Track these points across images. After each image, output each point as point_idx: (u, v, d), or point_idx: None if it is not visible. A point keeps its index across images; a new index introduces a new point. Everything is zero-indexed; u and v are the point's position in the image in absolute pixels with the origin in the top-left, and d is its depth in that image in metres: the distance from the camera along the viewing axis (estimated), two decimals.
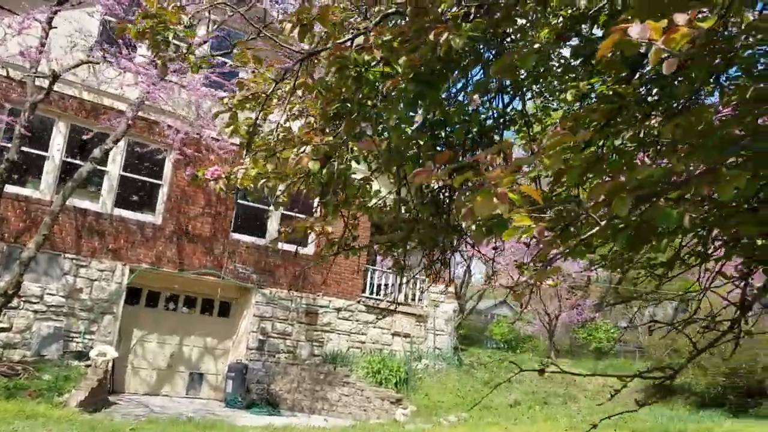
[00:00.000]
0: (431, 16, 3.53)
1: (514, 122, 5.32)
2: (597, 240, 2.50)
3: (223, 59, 13.09)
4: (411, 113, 3.59)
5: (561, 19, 3.91)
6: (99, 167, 13.79)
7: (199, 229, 16.12)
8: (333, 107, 4.24)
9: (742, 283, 2.97)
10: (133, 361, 15.85)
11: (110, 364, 13.51)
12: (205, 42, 10.18)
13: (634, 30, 1.46)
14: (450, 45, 3.03)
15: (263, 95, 4.88)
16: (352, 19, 4.44)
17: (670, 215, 1.89)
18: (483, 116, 4.81)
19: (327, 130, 4.46)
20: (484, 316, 39.48)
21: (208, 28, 10.66)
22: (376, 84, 3.61)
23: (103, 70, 13.21)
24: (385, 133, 4.04)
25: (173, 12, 4.21)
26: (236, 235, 16.88)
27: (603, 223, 2.12)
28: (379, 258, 18.49)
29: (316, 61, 4.88)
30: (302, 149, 4.01)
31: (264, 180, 4.21)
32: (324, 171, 4.08)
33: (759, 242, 2.68)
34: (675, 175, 2.16)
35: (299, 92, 4.89)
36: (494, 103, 4.88)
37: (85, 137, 14.23)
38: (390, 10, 4.57)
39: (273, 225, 17.68)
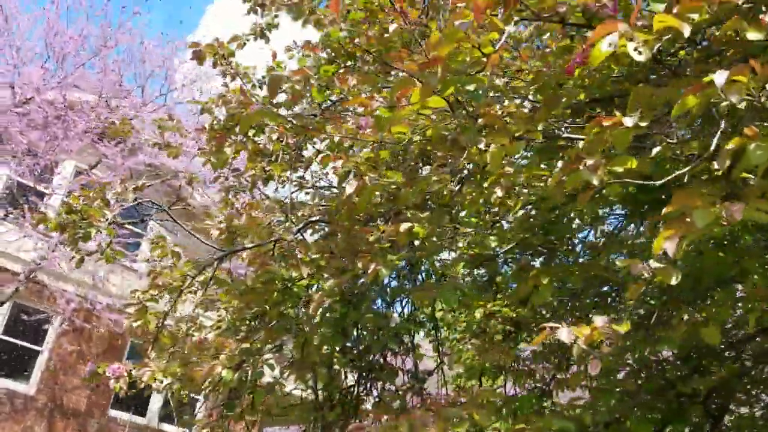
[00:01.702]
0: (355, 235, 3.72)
1: (423, 325, 5.47)
2: None
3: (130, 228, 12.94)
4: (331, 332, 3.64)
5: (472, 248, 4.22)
6: None
7: (75, 403, 14.85)
8: (252, 310, 4.25)
9: None
10: None
11: None
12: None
13: (563, 333, 1.61)
14: (377, 274, 3.17)
15: (177, 288, 4.84)
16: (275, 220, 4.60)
17: None
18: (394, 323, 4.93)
19: (240, 334, 4.43)
20: None
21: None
22: (300, 297, 3.69)
23: (6, 233, 12.71)
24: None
25: (98, 209, 4.23)
26: (115, 412, 15.62)
27: None
28: None
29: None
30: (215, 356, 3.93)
31: (169, 383, 4.05)
32: (235, 377, 3.99)
33: None
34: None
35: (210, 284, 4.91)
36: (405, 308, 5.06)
37: None
38: (314, 218, 4.78)
39: (155, 404, 16.56)
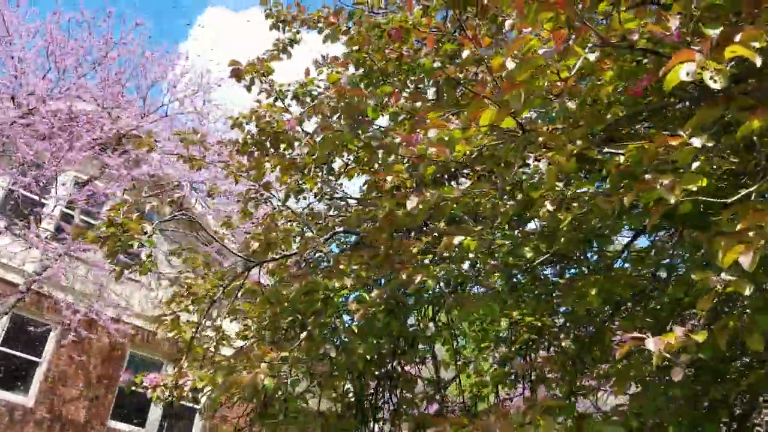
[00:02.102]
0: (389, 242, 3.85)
1: (440, 334, 5.58)
2: None
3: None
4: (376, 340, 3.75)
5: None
6: None
7: (74, 414, 14.79)
8: (286, 320, 4.35)
9: None
10: None
11: None
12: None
13: (650, 342, 1.73)
14: (422, 284, 3.29)
15: (207, 298, 4.93)
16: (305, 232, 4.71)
17: None
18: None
19: (275, 343, 4.53)
20: None
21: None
22: (338, 307, 3.79)
23: (7, 245, 12.70)
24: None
25: (137, 222, 4.32)
26: (114, 423, 15.57)
27: None
28: None
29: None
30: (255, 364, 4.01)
31: (209, 392, 4.13)
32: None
33: None
34: None
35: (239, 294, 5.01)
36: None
37: None
38: (339, 229, 4.90)
39: (154, 414, 16.51)
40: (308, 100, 4.60)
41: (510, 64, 2.37)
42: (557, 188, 2.78)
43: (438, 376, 5.50)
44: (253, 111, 4.85)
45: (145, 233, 4.40)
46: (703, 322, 1.91)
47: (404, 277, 3.40)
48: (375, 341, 3.73)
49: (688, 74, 1.85)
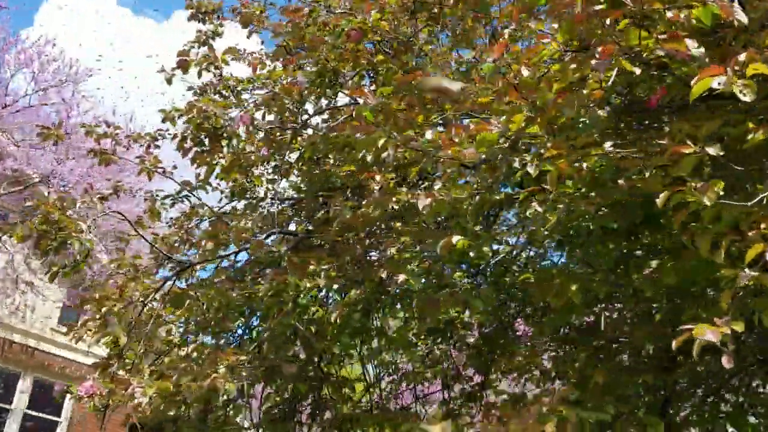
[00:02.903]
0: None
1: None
2: None
3: None
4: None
5: None
6: None
7: None
8: (233, 323, 4.24)
9: None
10: None
11: None
12: None
13: (708, 333, 1.92)
14: (406, 284, 3.35)
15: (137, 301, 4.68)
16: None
17: None
18: None
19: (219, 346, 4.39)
20: None
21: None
22: (307, 307, 3.75)
23: None
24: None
25: (73, 220, 4.02)
26: None
27: None
28: None
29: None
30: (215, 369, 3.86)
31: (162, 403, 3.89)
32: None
33: None
34: None
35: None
36: None
37: None
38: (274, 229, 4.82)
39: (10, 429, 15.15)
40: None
41: (525, 71, 2.51)
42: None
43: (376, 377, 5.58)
44: (192, 105, 4.66)
45: (81, 231, 4.10)
46: (731, 313, 2.13)
47: (384, 276, 3.44)
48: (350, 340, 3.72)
49: (719, 84, 2.07)
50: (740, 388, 4.02)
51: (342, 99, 5.22)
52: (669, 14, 2.40)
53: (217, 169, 4.53)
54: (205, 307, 4.75)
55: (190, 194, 5.91)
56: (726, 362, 1.99)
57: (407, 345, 4.60)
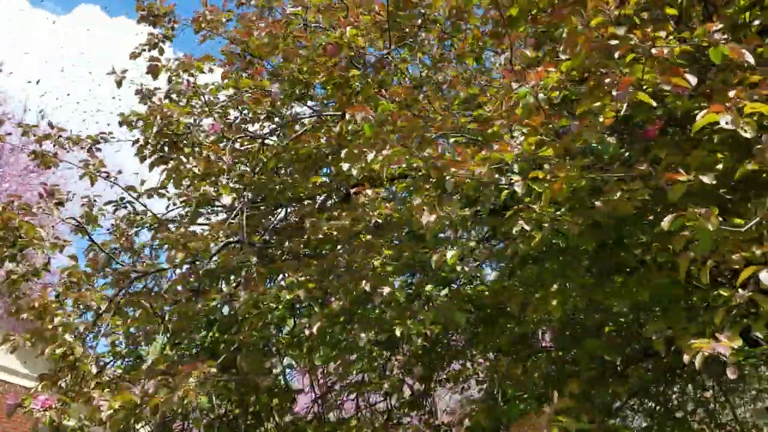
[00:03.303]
0: None
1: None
2: None
3: None
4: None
5: None
6: None
7: None
8: (199, 335, 4.16)
9: None
10: None
11: None
12: None
13: (719, 347, 2.10)
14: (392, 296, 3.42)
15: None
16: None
17: None
18: None
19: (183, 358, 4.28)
20: None
21: None
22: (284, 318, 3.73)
23: None
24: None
25: (32, 226, 3.83)
26: None
27: None
28: None
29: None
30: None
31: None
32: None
33: None
34: None
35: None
36: None
37: None
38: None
39: None
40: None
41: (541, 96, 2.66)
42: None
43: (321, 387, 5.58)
44: (153, 110, 4.54)
45: (42, 239, 3.91)
46: (727, 328, 2.34)
47: (368, 288, 3.49)
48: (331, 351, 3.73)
49: (727, 123, 2.28)
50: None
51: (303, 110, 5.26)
52: (654, 51, 2.61)
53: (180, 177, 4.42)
54: (165, 318, 4.65)
55: (134, 200, 5.74)
56: (731, 373, 2.18)
57: (365, 356, 4.66)
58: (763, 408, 6.13)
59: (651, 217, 3.61)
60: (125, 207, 5.86)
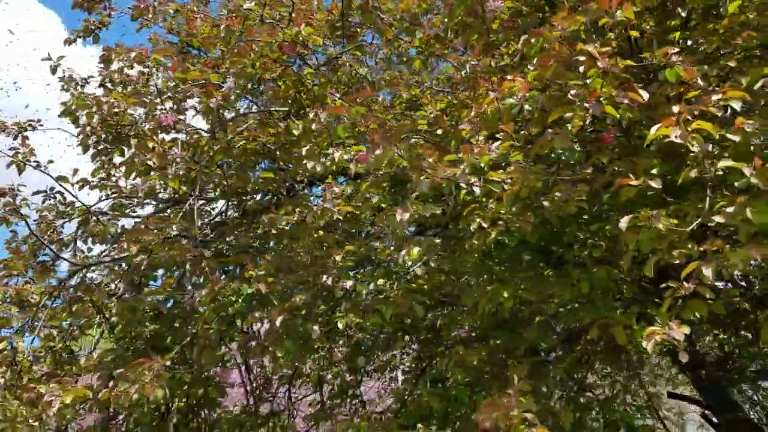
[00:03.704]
0: None
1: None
2: None
3: None
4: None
5: None
6: None
7: None
8: (148, 329, 4.15)
9: None
10: None
11: None
12: None
13: (675, 333, 2.39)
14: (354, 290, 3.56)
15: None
16: None
17: None
18: None
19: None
20: None
21: None
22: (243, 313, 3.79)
23: None
24: None
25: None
26: None
27: None
28: None
29: None
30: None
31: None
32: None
33: None
34: None
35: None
36: None
37: None
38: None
39: None
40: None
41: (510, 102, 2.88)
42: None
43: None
44: (98, 99, 4.44)
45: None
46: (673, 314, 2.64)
47: (329, 283, 3.61)
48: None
49: (676, 137, 2.58)
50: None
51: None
52: (600, 64, 2.90)
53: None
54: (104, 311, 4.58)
55: (65, 191, 5.57)
56: (683, 357, 2.48)
57: (312, 350, 4.78)
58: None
59: (585, 217, 3.96)
60: (53, 197, 5.68)
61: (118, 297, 4.55)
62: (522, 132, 2.82)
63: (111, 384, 3.75)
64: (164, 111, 4.13)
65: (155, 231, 4.04)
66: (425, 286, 4.06)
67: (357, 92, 3.90)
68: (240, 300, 3.77)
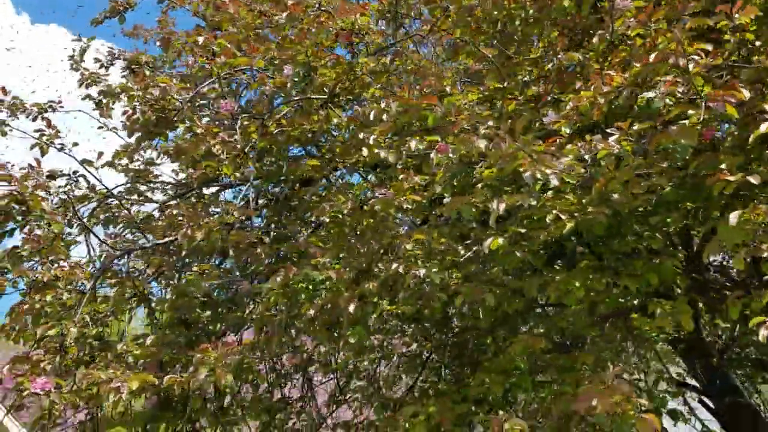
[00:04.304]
0: None
1: None
2: None
3: None
4: None
5: None
6: None
7: None
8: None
9: None
10: None
11: None
12: None
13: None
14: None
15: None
16: None
17: None
18: None
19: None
20: None
21: None
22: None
23: None
24: None
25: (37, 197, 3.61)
26: None
27: None
28: None
29: None
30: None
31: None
32: None
33: None
34: None
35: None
36: None
37: None
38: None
39: None
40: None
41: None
42: None
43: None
44: (147, 84, 4.36)
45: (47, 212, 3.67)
46: None
47: (401, 270, 3.67)
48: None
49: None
50: None
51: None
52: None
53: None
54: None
55: (88, 173, 5.45)
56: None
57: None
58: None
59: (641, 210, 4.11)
60: (76, 181, 5.55)
61: (166, 283, 4.51)
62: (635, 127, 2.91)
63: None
64: (223, 97, 4.08)
65: (214, 217, 4.01)
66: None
67: (418, 83, 3.95)
68: (310, 287, 3.76)
